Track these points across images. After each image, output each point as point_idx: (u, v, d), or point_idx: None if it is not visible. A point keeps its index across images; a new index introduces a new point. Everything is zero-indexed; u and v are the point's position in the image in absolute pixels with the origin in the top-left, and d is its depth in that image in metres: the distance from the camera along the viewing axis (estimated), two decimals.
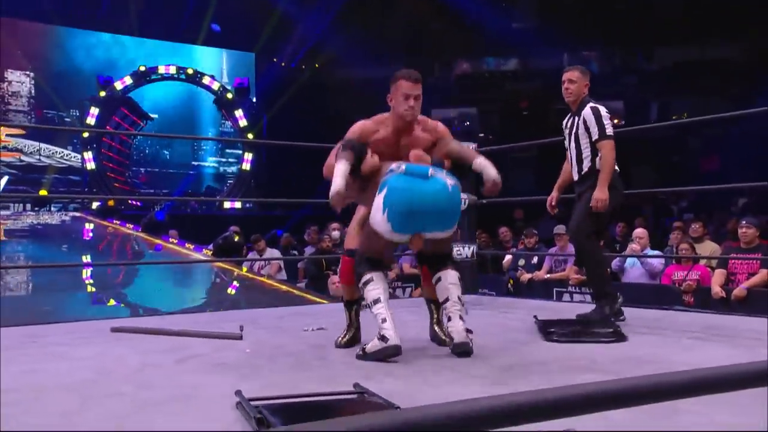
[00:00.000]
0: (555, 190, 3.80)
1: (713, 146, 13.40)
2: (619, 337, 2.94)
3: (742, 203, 10.71)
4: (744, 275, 5.60)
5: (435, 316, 2.93)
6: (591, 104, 3.53)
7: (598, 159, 3.46)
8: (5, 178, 14.88)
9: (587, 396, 0.82)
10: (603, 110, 3.49)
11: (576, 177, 3.57)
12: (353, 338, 2.87)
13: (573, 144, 3.57)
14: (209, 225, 11.61)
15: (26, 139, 15.44)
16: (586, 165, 3.50)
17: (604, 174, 3.41)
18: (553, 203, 3.80)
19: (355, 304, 2.95)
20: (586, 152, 3.50)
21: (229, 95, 17.53)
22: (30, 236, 9.89)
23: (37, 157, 15.57)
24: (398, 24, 16.15)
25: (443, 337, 2.79)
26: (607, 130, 3.44)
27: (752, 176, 4.89)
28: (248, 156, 17.60)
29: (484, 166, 2.74)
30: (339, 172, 2.58)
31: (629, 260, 6.50)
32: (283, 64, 17.87)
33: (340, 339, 2.87)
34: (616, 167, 3.52)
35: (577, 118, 3.56)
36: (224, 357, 2.60)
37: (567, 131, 3.65)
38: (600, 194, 3.37)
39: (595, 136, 3.45)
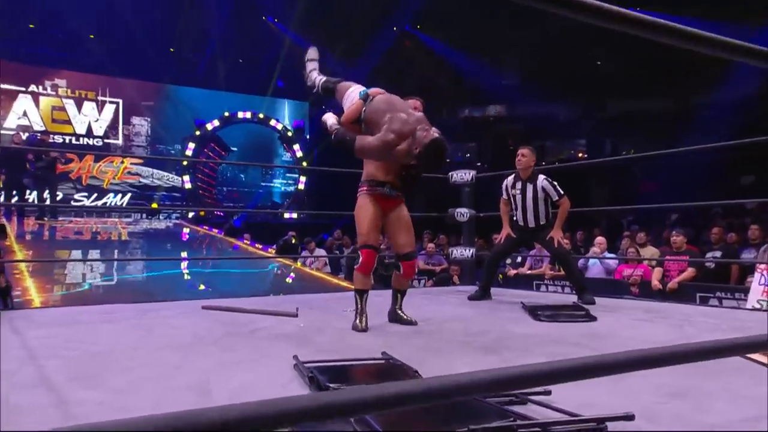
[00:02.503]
0: (507, 227, 3.87)
1: (652, 174, 13.19)
2: (591, 317, 2.88)
3: (674, 217, 10.49)
4: (675, 272, 5.50)
5: (399, 302, 2.83)
6: (543, 177, 3.70)
7: (549, 212, 3.70)
8: (129, 195, 15.13)
9: (566, 369, 0.80)
10: (550, 179, 3.70)
11: (533, 225, 3.71)
12: (367, 321, 2.66)
13: (530, 203, 3.69)
14: (273, 230, 11.63)
15: (144, 167, 15.70)
16: (543, 219, 3.69)
17: (562, 219, 3.66)
18: (512, 234, 3.88)
19: (365, 293, 2.72)
20: (542, 210, 3.68)
21: (290, 133, 17.63)
22: (144, 237, 10.03)
23: (151, 179, 15.79)
24: (414, 79, 16.15)
25: (405, 318, 2.77)
26: (561, 191, 3.67)
27: (680, 196, 4.81)
28: (303, 179, 17.68)
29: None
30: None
31: (591, 260, 6.41)
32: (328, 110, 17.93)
33: (359, 325, 2.62)
34: None
35: (530, 185, 3.69)
36: (284, 329, 2.60)
37: (518, 192, 3.74)
38: (561, 233, 3.68)
39: (555, 198, 3.65)
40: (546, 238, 3.68)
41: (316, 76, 3.12)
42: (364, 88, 2.82)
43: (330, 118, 2.77)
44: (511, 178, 3.85)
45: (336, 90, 2.97)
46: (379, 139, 2.50)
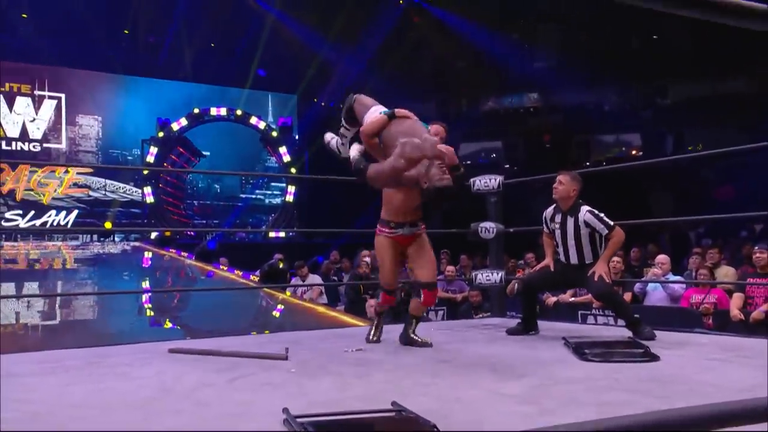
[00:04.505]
0: (549, 258, 4.00)
1: (727, 175, 13.16)
2: (652, 356, 2.87)
3: (759, 229, 10.46)
4: (761, 298, 5.45)
5: (413, 327, 3.42)
6: (586, 208, 3.79)
7: (596, 249, 3.80)
8: (75, 212, 15.27)
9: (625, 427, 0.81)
10: (595, 211, 3.80)
11: (576, 262, 3.83)
12: (380, 336, 3.49)
13: (572, 241, 3.81)
14: (256, 252, 11.70)
15: (94, 177, 15.86)
16: (588, 257, 3.79)
17: (611, 252, 3.78)
18: (551, 267, 3.99)
19: (384, 313, 3.61)
20: (587, 248, 3.79)
21: (274, 133, 17.79)
22: (96, 264, 10.09)
23: (103, 192, 15.96)
24: (427, 64, 16.28)
25: (419, 341, 3.35)
26: (610, 223, 3.74)
27: (761, 202, 4.78)
28: (291, 189, 17.79)
29: None
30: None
31: (651, 284, 6.37)
32: (323, 104, 18.11)
33: (372, 337, 3.47)
34: None
35: (571, 218, 3.81)
36: (271, 377, 2.60)
37: (557, 225, 3.88)
38: (605, 267, 3.75)
39: (605, 232, 3.73)
40: (588, 274, 3.72)
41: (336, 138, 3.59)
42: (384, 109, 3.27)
43: (354, 149, 3.30)
44: (550, 209, 3.97)
45: (354, 104, 3.32)
46: (389, 165, 2.96)
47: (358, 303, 6.97)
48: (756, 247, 5.78)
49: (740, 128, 13.08)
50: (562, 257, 3.90)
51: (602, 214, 3.78)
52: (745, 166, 12.01)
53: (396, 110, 3.18)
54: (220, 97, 17.31)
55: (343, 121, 3.46)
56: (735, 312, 5.45)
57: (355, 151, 3.26)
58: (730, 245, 9.63)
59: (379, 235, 3.45)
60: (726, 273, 6.46)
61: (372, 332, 3.49)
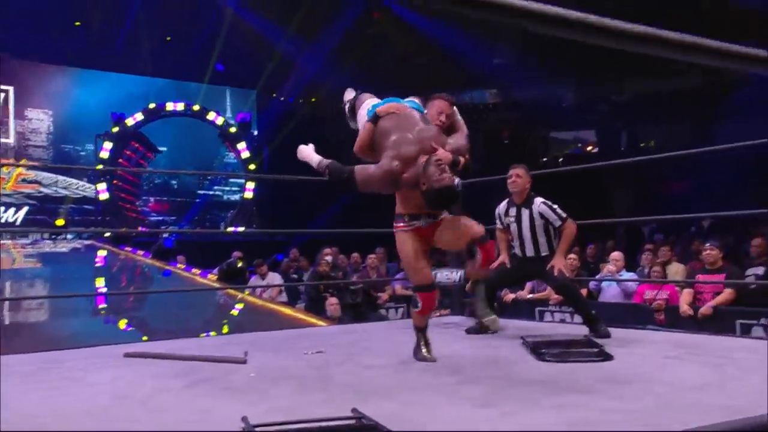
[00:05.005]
0: (504, 255, 4.05)
1: (681, 171, 13.53)
2: (606, 356, 2.94)
3: (707, 224, 10.76)
4: (710, 294, 5.61)
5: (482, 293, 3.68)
6: (540, 200, 3.86)
7: (551, 241, 3.86)
8: (25, 209, 14.85)
9: None
10: (549, 203, 3.86)
11: (532, 254, 3.88)
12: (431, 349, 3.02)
13: (527, 233, 3.87)
14: (214, 250, 11.54)
15: (44, 172, 15.46)
16: (544, 249, 3.86)
17: (566, 245, 3.85)
18: (507, 264, 4.05)
19: (426, 327, 3.07)
20: (543, 239, 3.85)
21: (233, 129, 17.60)
22: (47, 263, 9.85)
23: (55, 188, 15.56)
24: (388, 59, 16.27)
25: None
26: (563, 214, 3.82)
27: (719, 198, 4.90)
28: (250, 185, 17.63)
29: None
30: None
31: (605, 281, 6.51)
32: (282, 99, 17.97)
33: (428, 355, 2.98)
34: None
35: (526, 211, 3.87)
36: (230, 381, 2.58)
37: (512, 219, 3.93)
38: (563, 260, 3.83)
39: (558, 224, 3.80)
40: (547, 268, 3.79)
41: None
42: (376, 102, 3.05)
43: (311, 154, 2.98)
44: (503, 204, 4.02)
45: (356, 102, 3.24)
46: (382, 168, 2.72)
47: (318, 301, 6.96)
48: (707, 244, 5.94)
49: (692, 122, 13.45)
50: (517, 251, 3.96)
51: (556, 206, 3.85)
52: (697, 162, 12.35)
53: (379, 109, 2.94)
54: (177, 91, 17.02)
55: (348, 114, 3.36)
56: (684, 308, 5.61)
57: (315, 155, 2.96)
58: (681, 240, 9.91)
59: (397, 232, 3.09)
60: (676, 270, 6.64)
61: (424, 350, 3.00)
